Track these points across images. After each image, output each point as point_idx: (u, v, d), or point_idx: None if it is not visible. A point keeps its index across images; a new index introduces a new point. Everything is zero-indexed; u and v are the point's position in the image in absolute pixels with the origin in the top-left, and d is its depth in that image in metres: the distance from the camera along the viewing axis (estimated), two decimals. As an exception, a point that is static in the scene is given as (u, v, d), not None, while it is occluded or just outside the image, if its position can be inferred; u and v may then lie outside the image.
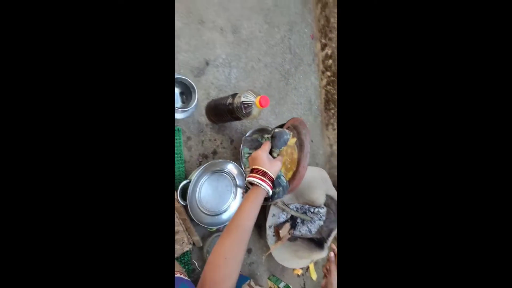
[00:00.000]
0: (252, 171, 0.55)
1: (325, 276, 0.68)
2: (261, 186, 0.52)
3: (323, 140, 1.17)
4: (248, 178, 0.54)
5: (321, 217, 0.91)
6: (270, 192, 0.54)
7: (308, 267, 1.11)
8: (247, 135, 0.65)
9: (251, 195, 0.52)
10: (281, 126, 0.77)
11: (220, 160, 0.79)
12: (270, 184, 0.54)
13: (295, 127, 0.71)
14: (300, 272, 1.09)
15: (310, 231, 0.94)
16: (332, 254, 0.62)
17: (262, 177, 0.53)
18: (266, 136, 0.62)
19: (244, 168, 0.65)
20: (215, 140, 0.87)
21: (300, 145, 0.74)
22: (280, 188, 0.58)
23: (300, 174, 0.73)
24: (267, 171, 0.53)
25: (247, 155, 0.65)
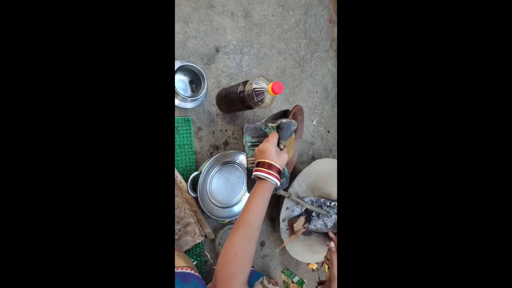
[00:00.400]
0: (259, 164, 0.53)
1: (327, 267, 0.64)
2: (269, 180, 0.51)
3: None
4: (255, 173, 0.53)
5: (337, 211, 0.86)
6: (278, 184, 0.52)
7: (323, 262, 1.08)
8: (249, 123, 0.61)
9: (259, 189, 0.50)
10: (284, 112, 0.73)
11: (231, 151, 0.76)
12: (278, 176, 0.52)
13: (294, 114, 0.71)
14: (315, 266, 1.05)
15: (326, 225, 0.90)
16: (332, 243, 0.57)
17: (269, 171, 0.51)
18: (270, 125, 0.59)
19: (247, 157, 0.62)
20: (226, 130, 0.84)
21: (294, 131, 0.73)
22: (284, 178, 0.56)
23: (292, 160, 0.75)
24: (275, 163, 0.51)
25: (249, 143, 0.62)
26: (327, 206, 0.88)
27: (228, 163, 0.76)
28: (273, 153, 0.52)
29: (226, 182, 0.75)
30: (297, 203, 0.86)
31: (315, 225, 0.88)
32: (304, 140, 1.01)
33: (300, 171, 0.85)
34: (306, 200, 0.87)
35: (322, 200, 0.87)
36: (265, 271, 0.92)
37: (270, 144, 0.53)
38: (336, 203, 0.85)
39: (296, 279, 0.92)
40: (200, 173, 0.69)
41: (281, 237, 0.85)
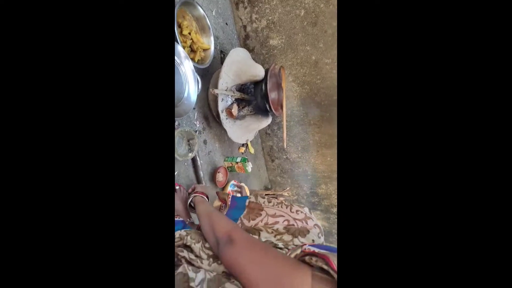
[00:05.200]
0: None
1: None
2: (198, 196, 0.66)
3: (236, 22, 1.15)
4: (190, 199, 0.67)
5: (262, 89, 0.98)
6: (205, 198, 0.67)
7: (247, 145, 1.29)
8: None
9: (199, 207, 0.60)
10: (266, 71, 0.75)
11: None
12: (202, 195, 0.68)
13: (275, 75, 0.86)
14: (242, 150, 1.25)
15: (253, 110, 1.04)
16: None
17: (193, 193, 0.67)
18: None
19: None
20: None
21: (282, 88, 0.96)
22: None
23: (283, 112, 0.95)
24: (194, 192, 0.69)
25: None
26: (251, 90, 1.00)
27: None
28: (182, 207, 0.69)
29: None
30: (227, 95, 0.92)
31: (247, 110, 1.00)
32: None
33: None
34: (232, 89, 0.94)
35: (248, 84, 0.97)
36: (211, 164, 1.01)
37: (180, 201, 0.69)
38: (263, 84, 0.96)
39: (238, 159, 1.08)
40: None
41: (224, 126, 0.92)
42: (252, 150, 1.34)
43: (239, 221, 0.59)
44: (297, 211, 0.56)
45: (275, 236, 0.50)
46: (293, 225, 0.53)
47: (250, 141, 1.29)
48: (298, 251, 0.36)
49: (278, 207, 0.59)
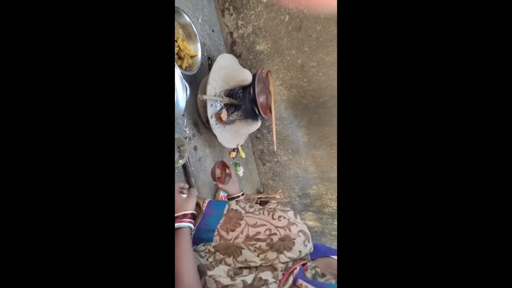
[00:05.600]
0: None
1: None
2: (183, 227, 0.49)
3: (223, 29, 1.16)
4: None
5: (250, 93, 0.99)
6: (192, 227, 0.52)
7: (238, 149, 1.29)
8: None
9: (178, 241, 0.48)
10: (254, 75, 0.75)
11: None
12: (191, 219, 0.52)
13: (262, 79, 0.88)
14: (233, 154, 1.25)
15: (242, 114, 1.05)
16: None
17: (181, 219, 0.50)
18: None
19: None
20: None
21: (270, 92, 1.00)
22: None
23: (272, 115, 0.97)
24: (185, 212, 0.52)
25: None
26: (240, 95, 1.01)
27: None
28: (179, 202, 0.52)
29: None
30: (216, 100, 0.92)
31: (236, 115, 1.01)
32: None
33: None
34: (222, 95, 0.94)
35: (236, 89, 0.98)
36: (202, 170, 1.01)
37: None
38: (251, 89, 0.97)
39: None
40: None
41: (213, 132, 0.92)
42: (243, 155, 1.34)
43: (216, 233, 0.55)
44: (279, 217, 0.53)
45: (258, 256, 0.47)
46: (276, 233, 0.50)
47: (241, 146, 1.30)
48: (290, 280, 0.35)
49: (259, 214, 0.55)
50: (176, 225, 0.50)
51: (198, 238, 0.56)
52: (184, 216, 0.51)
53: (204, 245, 0.54)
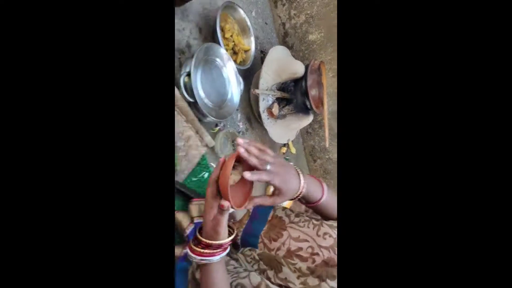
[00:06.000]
0: (200, 244, 0.40)
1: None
2: (215, 260, 0.40)
3: (275, 20, 1.14)
4: (192, 255, 0.40)
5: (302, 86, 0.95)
6: (226, 252, 0.41)
7: (288, 145, 1.27)
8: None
9: (206, 277, 0.40)
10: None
11: (207, 44, 0.68)
12: (227, 246, 0.41)
13: (315, 70, 0.86)
14: (284, 150, 1.23)
15: (293, 108, 1.02)
16: (241, 149, 0.40)
17: (215, 251, 0.39)
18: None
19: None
20: (183, 29, 0.71)
21: (322, 84, 0.95)
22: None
23: (324, 109, 0.95)
24: (228, 241, 0.40)
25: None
26: (291, 88, 0.97)
27: (207, 61, 0.68)
28: (223, 225, 0.39)
29: (213, 83, 0.70)
30: (268, 94, 0.91)
31: (287, 109, 0.98)
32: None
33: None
34: (272, 88, 0.93)
35: (288, 82, 0.95)
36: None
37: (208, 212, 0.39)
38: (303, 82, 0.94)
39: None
40: (189, 74, 0.60)
41: (265, 127, 0.92)
42: (293, 150, 1.31)
43: (260, 240, 0.51)
44: (324, 234, 0.47)
45: (298, 278, 0.43)
46: (318, 254, 0.44)
47: (292, 141, 1.27)
48: None
49: (304, 227, 0.50)
50: (207, 259, 0.39)
51: (245, 241, 0.55)
52: (219, 247, 0.40)
53: (250, 250, 0.52)
